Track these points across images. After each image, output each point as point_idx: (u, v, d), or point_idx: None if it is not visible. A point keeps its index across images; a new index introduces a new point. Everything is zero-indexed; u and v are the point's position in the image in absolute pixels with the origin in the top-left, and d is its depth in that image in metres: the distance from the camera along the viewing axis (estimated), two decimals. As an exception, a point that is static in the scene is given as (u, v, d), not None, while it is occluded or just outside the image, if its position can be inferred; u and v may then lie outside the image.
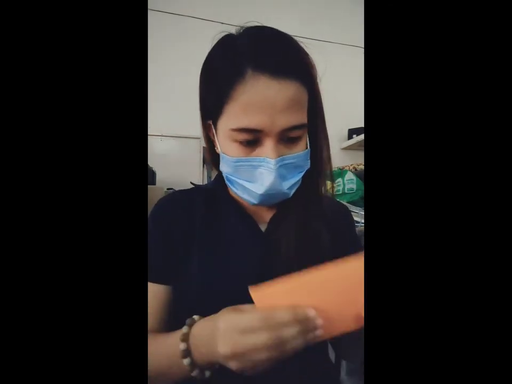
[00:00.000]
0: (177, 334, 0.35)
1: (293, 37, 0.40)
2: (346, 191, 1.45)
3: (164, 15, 1.69)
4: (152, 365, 0.34)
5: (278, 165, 0.39)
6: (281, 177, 0.40)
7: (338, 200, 0.59)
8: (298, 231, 0.43)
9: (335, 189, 1.47)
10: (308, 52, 0.41)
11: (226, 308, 0.33)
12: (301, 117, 0.39)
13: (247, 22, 0.41)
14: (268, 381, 0.39)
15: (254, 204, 0.42)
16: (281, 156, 0.39)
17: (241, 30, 0.41)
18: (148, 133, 1.50)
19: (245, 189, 0.42)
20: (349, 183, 1.47)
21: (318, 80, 0.42)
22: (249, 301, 0.39)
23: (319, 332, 0.29)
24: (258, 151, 0.40)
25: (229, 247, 0.43)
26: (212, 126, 0.43)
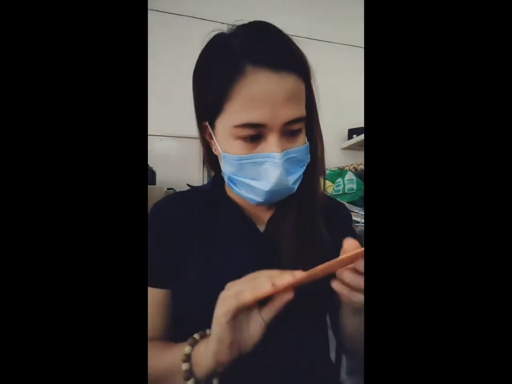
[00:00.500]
0: (179, 352, 0.34)
1: (293, 36, 0.40)
2: (346, 191, 1.45)
3: (164, 15, 1.69)
4: (151, 380, 0.34)
5: (283, 159, 0.39)
6: (286, 171, 0.40)
7: (336, 199, 0.59)
8: (297, 231, 0.43)
9: (335, 189, 1.48)
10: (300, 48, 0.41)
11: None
12: (300, 109, 0.39)
13: (237, 21, 0.41)
14: (268, 381, 0.39)
15: (258, 203, 0.42)
16: (285, 149, 0.39)
17: (233, 28, 0.40)
18: (148, 133, 1.50)
19: (249, 187, 0.41)
20: (349, 183, 1.47)
21: (312, 75, 0.42)
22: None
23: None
24: (261, 147, 0.39)
25: (228, 248, 0.43)
26: (209, 127, 0.43)
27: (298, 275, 0.30)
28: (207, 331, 0.35)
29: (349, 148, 1.88)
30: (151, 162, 1.38)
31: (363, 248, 0.28)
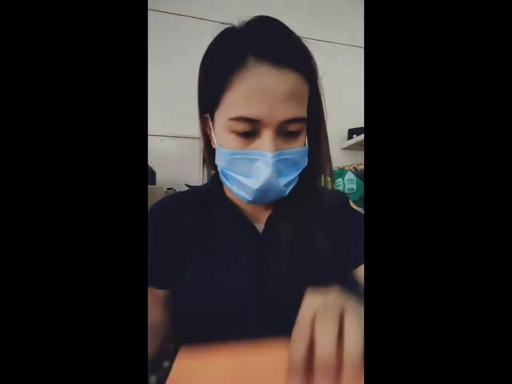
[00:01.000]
0: None
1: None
2: (346, 191, 1.45)
3: (164, 15, 1.69)
4: None
5: (275, 159, 0.37)
6: (278, 172, 0.39)
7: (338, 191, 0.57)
8: (295, 232, 0.42)
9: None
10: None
11: None
12: (300, 110, 0.38)
13: (248, 16, 0.41)
14: None
15: (248, 201, 0.41)
16: (279, 150, 0.38)
17: (244, 24, 0.40)
18: (148, 133, 1.50)
19: (240, 184, 0.41)
20: (349, 183, 1.47)
21: (319, 78, 0.41)
22: (246, 303, 0.39)
23: None
24: (255, 144, 0.38)
25: (226, 249, 0.43)
26: (209, 119, 0.42)
27: None
28: None
29: (349, 148, 1.88)
30: (151, 162, 1.38)
31: None
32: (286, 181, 0.40)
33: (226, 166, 0.41)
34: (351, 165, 1.65)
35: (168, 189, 1.45)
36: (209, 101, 0.40)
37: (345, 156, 1.91)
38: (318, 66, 0.41)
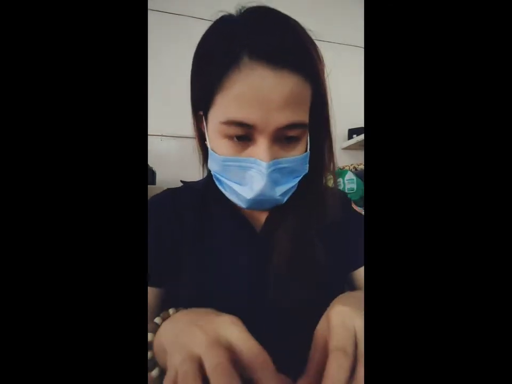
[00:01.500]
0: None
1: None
2: (346, 191, 1.45)
3: (164, 15, 1.68)
4: None
5: (270, 169, 0.34)
6: (274, 182, 0.36)
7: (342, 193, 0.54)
8: (294, 234, 0.41)
9: (335, 189, 1.47)
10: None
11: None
12: (300, 115, 0.35)
13: (249, 1, 0.36)
14: None
15: (243, 208, 0.40)
16: (276, 158, 0.35)
17: (242, 11, 0.36)
18: (148, 133, 1.50)
19: (233, 191, 0.38)
20: (349, 183, 1.47)
21: (326, 76, 0.37)
22: (244, 303, 0.38)
23: None
24: (250, 150, 0.35)
25: (223, 249, 0.42)
26: (203, 117, 0.39)
27: None
28: (170, 311, 0.32)
29: (349, 148, 1.88)
30: (151, 162, 1.38)
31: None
32: (283, 190, 0.37)
33: (219, 172, 0.38)
34: (351, 165, 1.65)
35: (168, 189, 1.44)
36: (202, 100, 0.37)
37: (345, 156, 1.90)
38: (324, 63, 0.37)
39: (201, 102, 0.37)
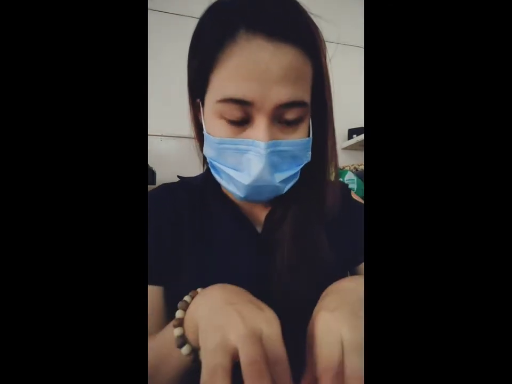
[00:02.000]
0: (169, 330, 0.30)
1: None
2: (346, 191, 1.44)
3: (164, 15, 1.69)
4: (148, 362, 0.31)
5: (269, 150, 0.32)
6: (273, 166, 0.34)
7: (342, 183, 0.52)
8: (295, 233, 0.40)
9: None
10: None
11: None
12: (301, 92, 0.33)
13: None
14: None
15: (241, 198, 0.37)
16: (275, 139, 0.33)
17: None
18: (148, 133, 1.50)
19: (230, 178, 0.36)
20: (349, 183, 1.47)
21: (327, 57, 0.35)
22: None
23: None
24: (247, 132, 0.33)
25: (223, 247, 0.41)
26: (201, 105, 0.37)
27: None
28: (198, 290, 0.32)
29: (349, 148, 1.88)
30: (151, 162, 1.38)
31: None
32: (283, 176, 0.35)
33: (215, 157, 0.36)
34: (352, 165, 1.65)
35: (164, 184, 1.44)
36: (198, 83, 0.35)
37: (345, 156, 1.91)
38: (323, 39, 0.35)
39: (197, 84, 0.36)
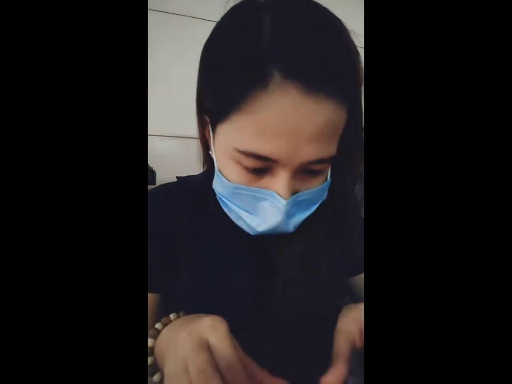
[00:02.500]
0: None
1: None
2: (346, 191, 1.44)
3: (164, 15, 1.68)
4: None
5: (289, 206, 0.30)
6: (290, 215, 0.32)
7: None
8: (298, 249, 0.39)
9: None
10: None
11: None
12: (330, 149, 0.29)
13: None
14: None
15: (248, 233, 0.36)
16: (295, 192, 0.30)
17: None
18: (148, 133, 1.50)
19: (240, 218, 0.34)
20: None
21: (361, 91, 0.30)
22: (241, 310, 0.38)
23: None
24: (266, 181, 0.30)
25: (223, 247, 0.40)
26: (209, 124, 0.33)
27: None
28: (171, 316, 0.32)
29: (349, 148, 1.88)
30: (151, 162, 1.38)
31: None
32: (298, 222, 0.33)
33: (227, 196, 0.34)
34: (351, 165, 1.64)
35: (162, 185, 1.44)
36: (212, 110, 0.31)
37: (345, 156, 1.90)
38: (362, 70, 0.29)
39: (211, 112, 0.32)
